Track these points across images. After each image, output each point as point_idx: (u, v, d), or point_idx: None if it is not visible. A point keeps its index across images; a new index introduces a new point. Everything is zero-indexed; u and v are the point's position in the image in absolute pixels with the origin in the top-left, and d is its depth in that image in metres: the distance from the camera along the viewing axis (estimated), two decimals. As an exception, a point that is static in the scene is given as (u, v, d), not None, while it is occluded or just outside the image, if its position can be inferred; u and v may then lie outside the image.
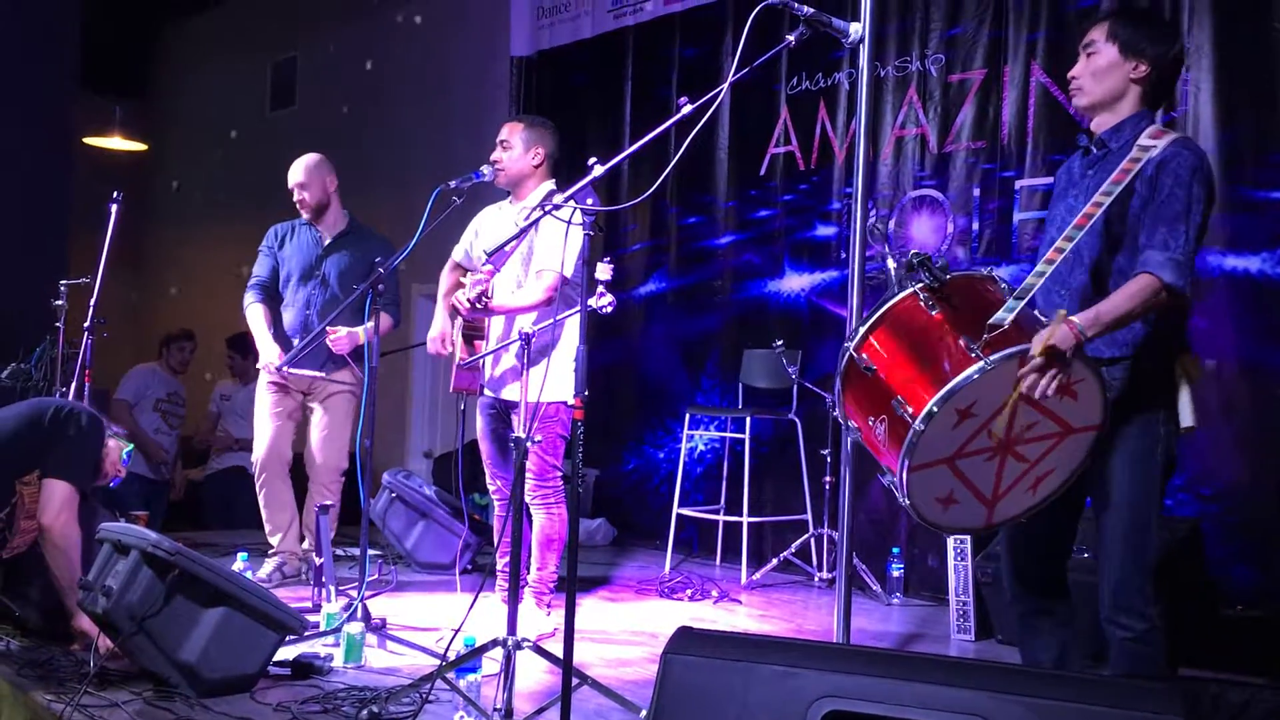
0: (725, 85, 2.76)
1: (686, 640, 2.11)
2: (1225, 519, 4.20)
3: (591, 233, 2.87)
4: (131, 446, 3.81)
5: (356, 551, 4.13)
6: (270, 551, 4.80)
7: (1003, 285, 2.48)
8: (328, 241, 4.79)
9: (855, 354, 2.46)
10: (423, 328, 7.96)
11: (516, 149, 4.00)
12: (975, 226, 5.10)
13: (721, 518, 5.73)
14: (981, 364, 2.25)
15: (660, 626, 4.30)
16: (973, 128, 5.14)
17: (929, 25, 5.31)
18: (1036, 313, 2.43)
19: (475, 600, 3.22)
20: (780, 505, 5.65)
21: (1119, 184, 2.48)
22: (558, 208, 2.93)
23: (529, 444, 3.09)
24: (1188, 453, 3.98)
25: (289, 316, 4.79)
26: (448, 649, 3.13)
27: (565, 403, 3.80)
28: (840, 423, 2.66)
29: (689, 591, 4.97)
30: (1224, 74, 4.28)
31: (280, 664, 3.26)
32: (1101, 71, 2.60)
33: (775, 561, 5.26)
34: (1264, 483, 4.15)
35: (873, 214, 5.37)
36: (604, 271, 3.13)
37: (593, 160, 2.89)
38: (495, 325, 4.04)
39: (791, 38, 2.78)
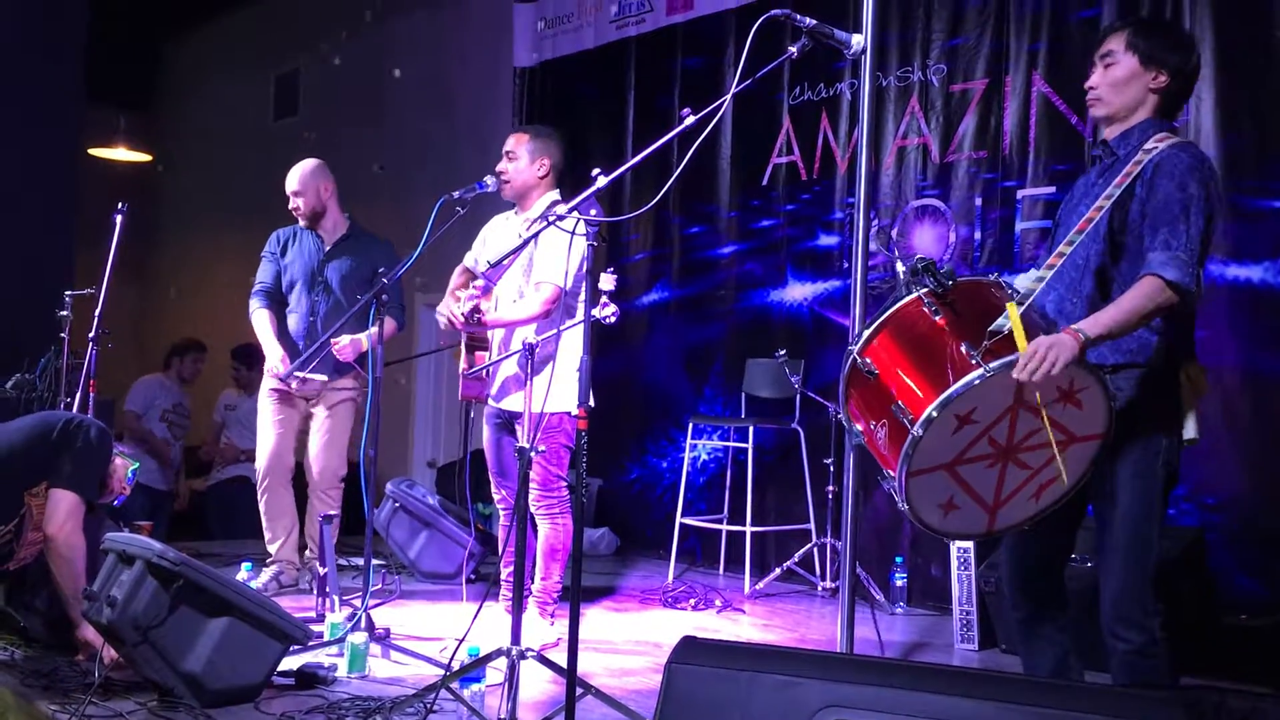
0: (728, 97, 2.76)
1: (691, 650, 2.11)
2: (1229, 528, 4.20)
3: (595, 243, 2.88)
4: (137, 465, 3.82)
5: (360, 561, 4.14)
6: (268, 560, 4.80)
7: (1010, 291, 2.46)
8: (329, 247, 4.80)
9: (858, 357, 2.47)
10: (426, 337, 8.03)
11: (522, 160, 4.00)
12: (977, 236, 5.11)
13: (725, 527, 5.73)
14: (982, 370, 2.24)
15: (663, 636, 4.31)
16: (974, 137, 5.15)
17: (930, 35, 5.33)
18: (1042, 317, 2.43)
19: (479, 610, 3.23)
20: (783, 515, 5.66)
21: (1120, 187, 2.48)
22: (561, 218, 2.93)
23: (533, 454, 3.10)
24: (1191, 461, 3.96)
25: (294, 322, 4.80)
26: (452, 659, 3.14)
27: (569, 413, 3.82)
28: (844, 426, 2.66)
29: (692, 601, 4.97)
30: (1225, 83, 4.29)
31: (284, 674, 3.27)
32: (1120, 82, 2.59)
33: (778, 571, 5.26)
34: (1267, 492, 4.15)
35: (875, 223, 5.39)
36: (607, 282, 3.14)
37: (596, 171, 2.90)
38: (497, 335, 4.05)
39: (794, 49, 2.78)
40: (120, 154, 9.22)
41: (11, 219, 6.60)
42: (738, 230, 6.20)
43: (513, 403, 3.95)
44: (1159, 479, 2.50)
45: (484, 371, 4.05)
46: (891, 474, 2.39)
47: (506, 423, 4.06)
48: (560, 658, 2.90)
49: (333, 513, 4.39)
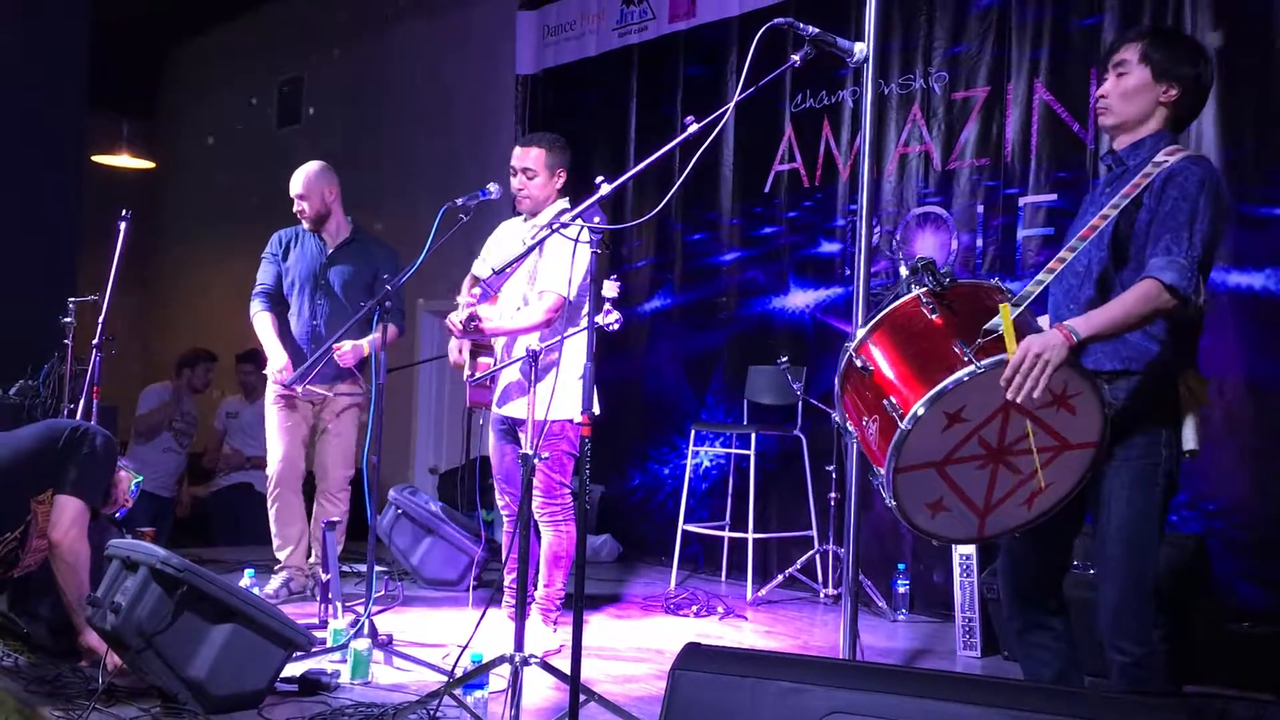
0: (730, 105, 2.76)
1: (695, 656, 2.12)
2: (1231, 535, 4.20)
3: (599, 251, 2.89)
4: (140, 479, 3.83)
5: (363, 568, 4.14)
6: (277, 567, 4.80)
7: (1009, 294, 2.46)
8: (331, 250, 4.81)
9: (854, 354, 2.48)
10: (427, 343, 8.03)
11: (541, 176, 4.00)
12: (979, 243, 5.12)
13: (727, 534, 5.73)
14: (972, 368, 2.25)
15: (666, 643, 4.31)
16: (976, 145, 5.16)
17: (932, 43, 5.35)
18: (1040, 321, 2.43)
19: (483, 617, 3.23)
20: (785, 521, 5.66)
21: (1128, 197, 2.47)
22: (565, 226, 2.94)
23: (536, 461, 3.10)
24: (1192, 468, 3.98)
25: (296, 326, 4.80)
26: (455, 665, 3.13)
27: (572, 420, 3.82)
28: (840, 424, 2.66)
29: (695, 608, 4.97)
30: (1226, 92, 4.29)
31: (287, 680, 3.27)
32: (1132, 93, 2.58)
33: (781, 578, 5.26)
34: (1270, 499, 4.15)
35: (877, 231, 5.40)
36: (611, 289, 3.15)
37: (599, 179, 2.90)
38: (500, 341, 4.06)
39: (796, 57, 2.79)
40: (124, 161, 9.27)
41: (15, 225, 6.61)
42: (740, 237, 6.21)
43: (516, 409, 3.95)
44: (1158, 489, 2.47)
45: (488, 378, 4.06)
46: (880, 470, 2.40)
47: (510, 429, 4.07)
48: (563, 664, 2.90)
49: (335, 519, 4.39)
